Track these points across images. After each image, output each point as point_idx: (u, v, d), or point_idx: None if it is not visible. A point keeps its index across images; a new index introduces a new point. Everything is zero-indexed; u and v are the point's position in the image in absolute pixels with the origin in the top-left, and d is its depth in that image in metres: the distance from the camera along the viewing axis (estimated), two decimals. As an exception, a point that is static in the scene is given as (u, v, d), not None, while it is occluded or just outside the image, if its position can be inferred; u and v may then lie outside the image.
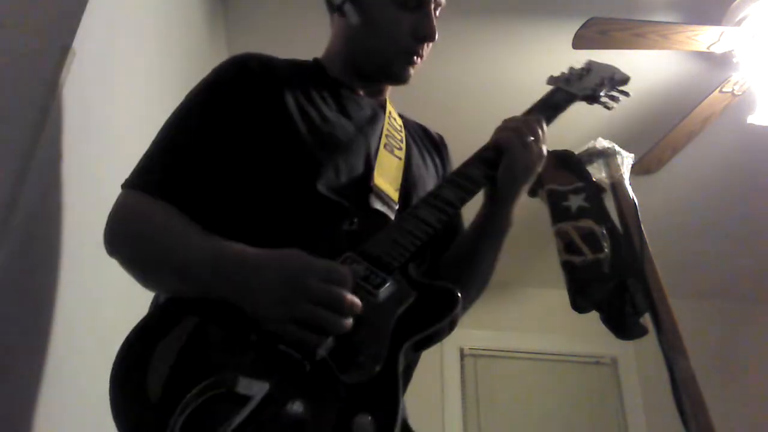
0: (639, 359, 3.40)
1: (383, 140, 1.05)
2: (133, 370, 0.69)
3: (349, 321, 0.73)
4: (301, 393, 0.68)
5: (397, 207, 0.97)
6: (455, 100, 2.60)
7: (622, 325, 1.14)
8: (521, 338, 3.54)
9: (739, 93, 2.30)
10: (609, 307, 1.14)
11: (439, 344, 0.81)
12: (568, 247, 1.18)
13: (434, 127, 1.25)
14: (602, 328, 1.15)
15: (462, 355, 3.44)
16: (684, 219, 3.14)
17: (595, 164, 1.35)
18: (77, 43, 1.04)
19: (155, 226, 0.86)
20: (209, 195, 0.91)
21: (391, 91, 1.17)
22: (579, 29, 1.97)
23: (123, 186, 0.91)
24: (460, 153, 1.08)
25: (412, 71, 1.07)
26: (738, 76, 2.26)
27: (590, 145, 1.37)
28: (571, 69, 1.20)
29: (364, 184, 0.96)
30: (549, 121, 1.06)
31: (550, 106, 1.10)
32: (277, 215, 0.91)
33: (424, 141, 1.19)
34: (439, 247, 1.05)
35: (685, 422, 1.07)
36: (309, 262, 0.76)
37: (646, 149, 2.45)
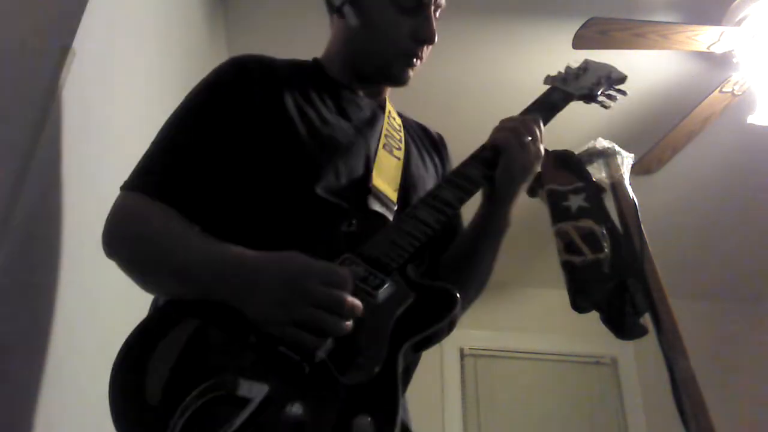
0: (639, 359, 3.40)
1: (382, 140, 1.05)
2: (133, 373, 0.69)
3: (350, 323, 0.73)
4: (300, 395, 0.68)
5: (395, 208, 0.97)
6: (455, 100, 2.60)
7: (622, 325, 1.14)
8: (521, 338, 3.54)
9: (739, 93, 2.30)
10: (609, 307, 1.14)
11: (439, 344, 0.81)
12: (568, 247, 1.17)
13: (434, 127, 1.25)
14: (602, 328, 1.15)
15: (462, 355, 3.44)
16: (684, 219, 3.14)
17: (595, 164, 1.35)
18: (77, 43, 1.04)
19: (154, 227, 0.86)
20: (208, 197, 0.91)
21: (390, 91, 1.17)
22: (579, 29, 1.97)
23: (122, 188, 0.91)
24: (460, 153, 1.08)
25: (411, 73, 1.07)
26: (738, 76, 2.26)
27: (590, 145, 1.37)
28: (568, 68, 1.20)
29: (363, 185, 0.96)
30: (546, 120, 1.06)
31: (547, 106, 1.10)
32: (275, 217, 0.91)
33: (424, 141, 1.19)
34: (438, 247, 1.05)
35: (685, 422, 1.07)
36: (308, 264, 0.76)
37: (646, 149, 2.45)
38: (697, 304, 3.31)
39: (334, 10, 1.08)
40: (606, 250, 1.17)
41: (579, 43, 1.99)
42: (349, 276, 0.76)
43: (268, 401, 0.67)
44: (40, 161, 0.95)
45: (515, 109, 1.09)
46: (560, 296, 1.19)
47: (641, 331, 1.14)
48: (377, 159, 1.01)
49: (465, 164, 0.99)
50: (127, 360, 0.71)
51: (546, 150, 1.04)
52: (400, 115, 1.18)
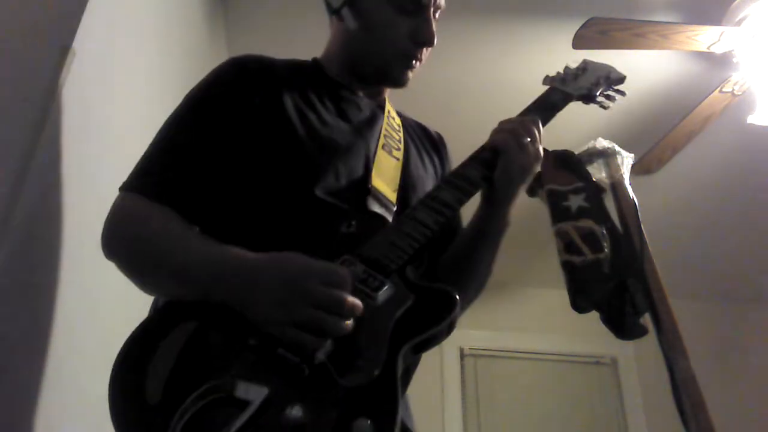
0: (639, 359, 3.40)
1: (381, 141, 1.05)
2: (133, 374, 0.69)
3: (350, 323, 0.73)
4: (300, 397, 0.68)
5: (395, 208, 0.97)
6: (455, 100, 2.60)
7: (622, 325, 1.14)
8: (521, 338, 3.54)
9: (739, 93, 2.30)
10: (609, 307, 1.14)
11: (438, 344, 0.81)
12: (568, 247, 1.17)
13: (434, 127, 1.25)
14: (602, 328, 1.15)
15: (462, 355, 3.44)
16: (684, 219, 3.14)
17: (595, 164, 1.35)
18: (77, 43, 1.04)
19: (153, 228, 0.86)
20: (207, 198, 0.91)
21: (390, 91, 1.17)
22: (579, 29, 1.97)
23: (121, 188, 0.91)
24: (460, 153, 1.08)
25: (410, 75, 1.07)
26: (738, 76, 2.26)
27: (590, 145, 1.37)
28: (567, 68, 1.20)
29: (362, 186, 0.96)
30: (545, 121, 1.06)
31: (547, 107, 1.10)
32: (275, 218, 0.91)
33: (423, 140, 1.19)
34: (437, 248, 1.05)
35: (685, 422, 1.07)
36: (308, 264, 0.76)
37: (646, 149, 2.45)
38: (697, 304, 3.31)
39: (333, 12, 1.08)
40: (606, 250, 1.17)
41: (579, 43, 1.99)
42: (348, 275, 0.76)
43: (268, 403, 0.66)
44: (40, 161, 0.95)
45: (515, 109, 1.09)
46: (560, 296, 1.19)
47: (641, 331, 1.14)
48: (376, 159, 1.01)
49: (464, 165, 0.99)
50: (127, 361, 0.71)
51: (546, 150, 1.04)
52: (399, 114, 1.18)
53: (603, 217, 1.23)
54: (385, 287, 0.80)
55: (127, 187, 0.90)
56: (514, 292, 3.52)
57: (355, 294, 0.75)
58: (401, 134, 1.12)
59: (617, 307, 1.14)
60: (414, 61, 1.05)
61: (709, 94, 2.29)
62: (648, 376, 3.29)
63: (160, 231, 0.86)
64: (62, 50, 1.01)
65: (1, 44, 1.00)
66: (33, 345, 0.95)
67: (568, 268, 1.16)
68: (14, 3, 1.05)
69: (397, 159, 1.06)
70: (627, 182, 1.34)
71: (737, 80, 2.26)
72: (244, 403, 0.66)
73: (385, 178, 1.00)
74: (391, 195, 0.99)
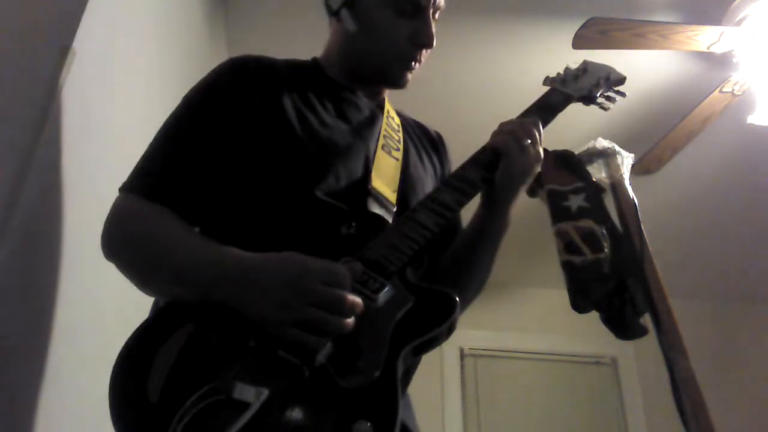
0: (639, 359, 3.40)
1: (381, 141, 1.05)
2: (133, 375, 0.69)
3: (351, 321, 0.74)
4: (300, 399, 0.68)
5: (395, 209, 0.97)
6: (455, 100, 2.60)
7: (622, 325, 1.14)
8: (521, 338, 3.54)
9: (739, 93, 2.30)
10: (609, 307, 1.14)
11: (439, 346, 0.81)
12: (568, 247, 1.17)
13: (434, 127, 1.25)
14: (602, 328, 1.15)
15: (462, 355, 3.44)
16: (684, 219, 3.14)
17: (595, 164, 1.35)
18: (77, 43, 1.04)
19: (152, 229, 0.86)
20: (207, 199, 0.91)
21: (390, 91, 1.17)
22: (579, 29, 1.97)
23: (120, 189, 0.91)
24: (459, 153, 1.08)
25: (410, 76, 1.07)
26: (738, 76, 2.26)
27: (590, 145, 1.37)
28: (567, 69, 1.20)
29: (362, 187, 0.96)
30: (546, 122, 1.06)
31: (547, 108, 1.10)
32: (275, 219, 0.91)
33: (422, 140, 1.19)
34: (437, 248, 1.05)
35: (685, 422, 1.07)
36: (308, 264, 0.76)
37: (646, 149, 2.45)
38: (697, 304, 3.31)
39: (332, 14, 1.08)
40: (606, 250, 1.17)
41: (579, 43, 1.99)
42: (348, 274, 0.76)
43: (268, 405, 0.67)
44: (40, 161, 0.95)
45: (515, 108, 1.09)
46: (560, 296, 1.19)
47: (641, 331, 1.14)
48: (376, 160, 1.01)
49: (464, 167, 0.99)
50: (127, 362, 0.71)
51: (546, 150, 1.04)
52: (399, 114, 1.18)
53: (603, 217, 1.22)
54: (386, 289, 0.80)
55: (126, 188, 0.90)
56: (514, 292, 3.52)
57: (355, 295, 0.75)
58: (400, 134, 1.12)
59: (617, 307, 1.14)
60: (413, 63, 1.05)
61: (709, 94, 2.29)
62: (648, 376, 3.29)
63: (160, 232, 0.86)
64: (62, 50, 1.01)
65: (1, 44, 1.00)
66: (33, 345, 0.95)
67: (568, 268, 1.16)
68: (14, 3, 1.05)
69: (397, 159, 1.06)
70: (627, 182, 1.34)
71: (737, 80, 2.26)
72: (244, 405, 0.66)
73: (384, 179, 1.00)
74: (391, 196, 0.98)
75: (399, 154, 1.07)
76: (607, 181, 1.34)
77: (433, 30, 1.04)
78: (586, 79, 1.17)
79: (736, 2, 2.16)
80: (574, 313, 1.16)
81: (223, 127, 0.94)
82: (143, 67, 1.50)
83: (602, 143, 1.36)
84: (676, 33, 2.04)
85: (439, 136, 1.23)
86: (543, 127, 1.04)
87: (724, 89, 2.28)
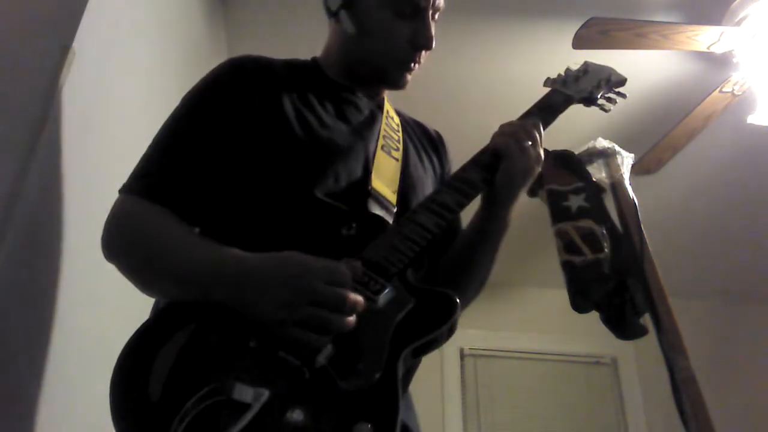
0: (639, 359, 3.40)
1: (380, 141, 1.05)
2: (134, 375, 0.69)
3: (353, 319, 0.74)
4: (300, 401, 0.68)
5: (395, 210, 0.97)
6: (455, 100, 2.60)
7: (622, 325, 1.14)
8: (521, 338, 3.54)
9: (739, 93, 2.30)
10: (609, 307, 1.14)
11: (439, 348, 0.81)
12: (568, 247, 1.17)
13: (433, 127, 1.25)
14: (602, 328, 1.15)
15: (462, 355, 3.44)
16: (684, 219, 3.14)
17: (595, 164, 1.35)
18: (77, 43, 1.04)
19: (152, 231, 0.86)
20: (207, 200, 0.91)
21: (389, 91, 1.16)
22: (579, 29, 1.97)
23: (120, 191, 0.91)
24: (460, 152, 1.08)
25: (409, 77, 1.07)
26: (738, 76, 2.26)
27: (590, 145, 1.37)
28: (568, 70, 1.19)
29: (362, 187, 0.95)
30: (546, 124, 1.06)
31: (548, 109, 1.09)
32: (275, 220, 0.90)
33: (422, 139, 1.19)
34: (438, 249, 1.05)
35: (685, 422, 1.07)
36: (309, 263, 0.76)
37: (646, 149, 2.45)
38: (697, 304, 3.31)
39: (331, 15, 1.08)
40: (606, 250, 1.17)
41: (579, 43, 1.99)
42: (348, 273, 0.76)
43: (269, 407, 0.67)
44: (40, 160, 0.95)
45: (514, 108, 1.09)
46: (560, 296, 1.19)
47: (641, 331, 1.14)
48: (376, 161, 1.01)
49: (464, 168, 0.99)
50: (128, 362, 0.71)
51: (546, 150, 1.04)
52: (398, 113, 1.17)
53: (603, 217, 1.22)
54: (386, 291, 0.80)
55: (126, 190, 0.90)
56: (514, 292, 3.52)
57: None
58: (400, 134, 1.12)
59: (617, 307, 1.14)
60: (412, 65, 1.05)
61: (709, 94, 2.29)
62: (648, 376, 3.29)
63: (160, 232, 0.86)
64: (62, 50, 1.01)
65: (1, 44, 1.00)
66: (33, 345, 0.95)
67: (568, 268, 1.16)
68: (14, 3, 1.05)
69: (397, 159, 1.06)
70: (627, 182, 1.34)
71: (737, 80, 2.26)
72: (245, 406, 0.66)
73: (384, 180, 1.00)
74: (391, 196, 0.98)
75: (399, 154, 1.07)
76: (607, 181, 1.34)
77: (433, 31, 1.04)
78: (587, 81, 1.17)
79: (736, 2, 2.16)
80: (574, 313, 1.16)
81: (222, 128, 0.94)
82: (143, 67, 1.50)
83: (602, 143, 1.36)
84: (676, 33, 2.04)
85: (439, 136, 1.23)
86: (544, 129, 1.04)
87: (724, 89, 2.28)
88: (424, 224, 0.89)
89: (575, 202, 1.23)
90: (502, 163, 0.97)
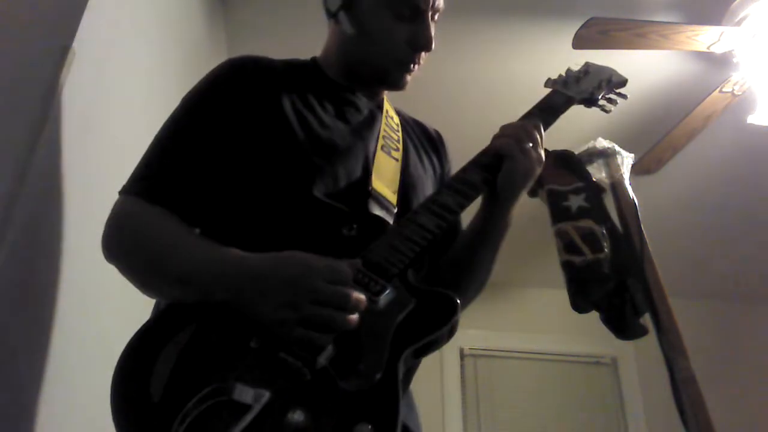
0: (639, 359, 3.40)
1: (380, 142, 1.05)
2: (135, 377, 0.69)
3: (355, 317, 0.74)
4: (301, 401, 0.68)
5: (395, 210, 0.97)
6: (455, 100, 2.60)
7: (622, 325, 1.14)
8: (521, 338, 3.54)
9: (739, 93, 2.30)
10: (609, 307, 1.14)
11: (439, 348, 0.81)
12: (568, 247, 1.17)
13: (433, 127, 1.25)
14: (602, 328, 1.15)
15: (462, 355, 3.44)
16: (684, 219, 3.14)
17: (595, 164, 1.35)
18: (77, 43, 1.04)
19: (153, 231, 0.86)
20: (207, 200, 0.91)
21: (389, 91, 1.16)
22: (579, 29, 1.97)
23: (120, 192, 0.91)
24: (460, 152, 1.07)
25: (409, 78, 1.07)
26: (738, 76, 2.26)
27: (590, 145, 1.37)
28: (569, 71, 1.19)
29: (362, 188, 0.95)
30: (547, 124, 1.06)
31: (548, 110, 1.09)
32: (276, 221, 0.90)
33: (422, 139, 1.19)
34: (438, 249, 1.05)
35: (685, 422, 1.07)
36: (310, 262, 0.76)
37: (646, 149, 2.45)
38: (697, 304, 3.31)
39: (331, 15, 1.08)
40: (606, 250, 1.17)
41: (579, 43, 1.99)
42: (349, 271, 0.77)
43: (269, 407, 0.67)
44: (40, 161, 0.95)
45: (515, 108, 1.09)
46: (560, 296, 1.19)
47: (641, 331, 1.14)
48: (376, 161, 1.01)
49: (465, 169, 0.99)
50: (129, 363, 0.71)
51: (546, 150, 1.04)
52: (398, 113, 1.17)
53: (603, 217, 1.22)
54: (387, 291, 0.80)
55: (126, 191, 0.90)
56: (514, 292, 3.52)
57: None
58: (400, 134, 1.12)
59: (617, 307, 1.14)
60: (412, 66, 1.05)
61: (709, 94, 2.29)
62: (648, 376, 3.29)
63: (160, 233, 0.86)
64: (62, 50, 1.01)
65: (1, 44, 1.00)
66: (33, 344, 0.95)
67: (568, 268, 1.16)
68: (14, 3, 1.05)
69: (396, 159, 1.06)
70: (627, 182, 1.34)
71: (737, 80, 2.26)
72: (246, 407, 0.66)
73: (384, 180, 1.00)
74: (392, 196, 0.98)
75: (398, 155, 1.07)
76: (607, 181, 1.34)
77: (432, 32, 1.04)
78: (588, 81, 1.17)
79: (736, 2, 2.16)
80: (574, 313, 1.16)
81: (221, 129, 0.94)
82: (143, 67, 1.50)
83: (602, 143, 1.36)
84: (676, 33, 2.04)
85: (439, 135, 1.23)
86: (544, 130, 1.04)
87: (724, 89, 2.28)
88: (425, 225, 0.89)
89: (575, 202, 1.23)
90: (503, 165, 0.97)
